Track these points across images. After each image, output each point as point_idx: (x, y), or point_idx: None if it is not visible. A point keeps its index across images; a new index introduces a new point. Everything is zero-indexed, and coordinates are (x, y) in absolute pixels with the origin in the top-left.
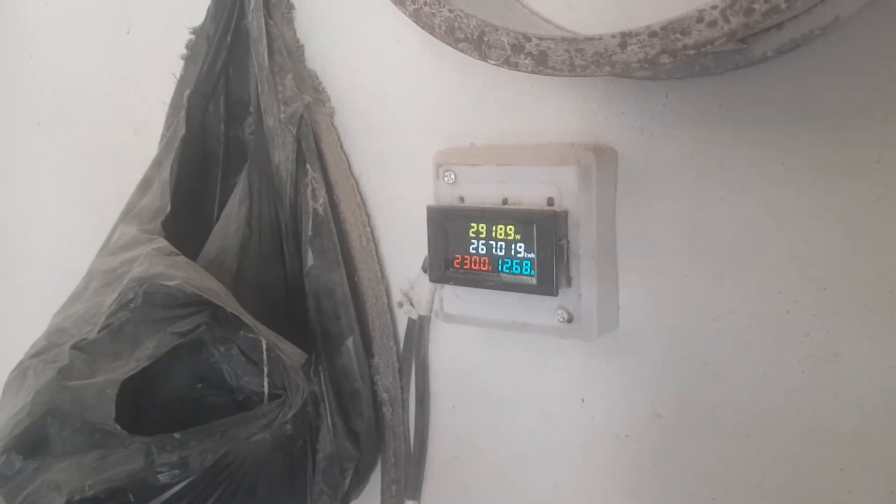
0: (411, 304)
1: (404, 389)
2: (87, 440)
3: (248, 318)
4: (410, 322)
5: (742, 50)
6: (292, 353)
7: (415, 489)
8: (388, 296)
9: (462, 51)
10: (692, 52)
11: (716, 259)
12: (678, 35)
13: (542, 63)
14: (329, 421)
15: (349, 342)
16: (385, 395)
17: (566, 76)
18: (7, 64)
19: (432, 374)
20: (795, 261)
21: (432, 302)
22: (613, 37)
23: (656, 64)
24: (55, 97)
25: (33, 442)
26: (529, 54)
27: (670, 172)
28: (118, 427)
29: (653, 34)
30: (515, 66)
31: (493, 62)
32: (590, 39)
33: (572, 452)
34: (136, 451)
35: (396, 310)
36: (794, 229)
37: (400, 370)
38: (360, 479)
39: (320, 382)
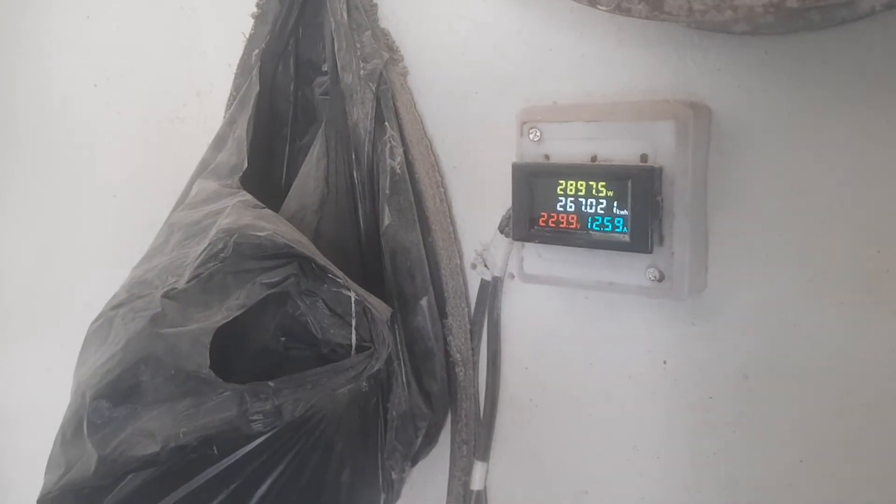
0: (485, 266)
1: (475, 351)
2: (179, 388)
3: (337, 271)
4: (483, 283)
5: (850, 3)
6: (380, 307)
7: (485, 451)
8: (461, 257)
9: None
10: None
11: (812, 219)
12: None
13: (657, 8)
14: (403, 379)
15: (424, 302)
16: (458, 356)
17: (682, 22)
18: (63, 25)
19: (504, 335)
20: None
21: (507, 263)
22: None
23: (782, 8)
24: (113, 59)
25: (124, 389)
26: None
27: (767, 130)
28: (213, 374)
29: None
30: (627, 12)
31: (604, 8)
32: None
33: (652, 415)
34: (229, 399)
35: (469, 271)
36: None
37: (472, 331)
38: (429, 440)
39: (395, 341)
